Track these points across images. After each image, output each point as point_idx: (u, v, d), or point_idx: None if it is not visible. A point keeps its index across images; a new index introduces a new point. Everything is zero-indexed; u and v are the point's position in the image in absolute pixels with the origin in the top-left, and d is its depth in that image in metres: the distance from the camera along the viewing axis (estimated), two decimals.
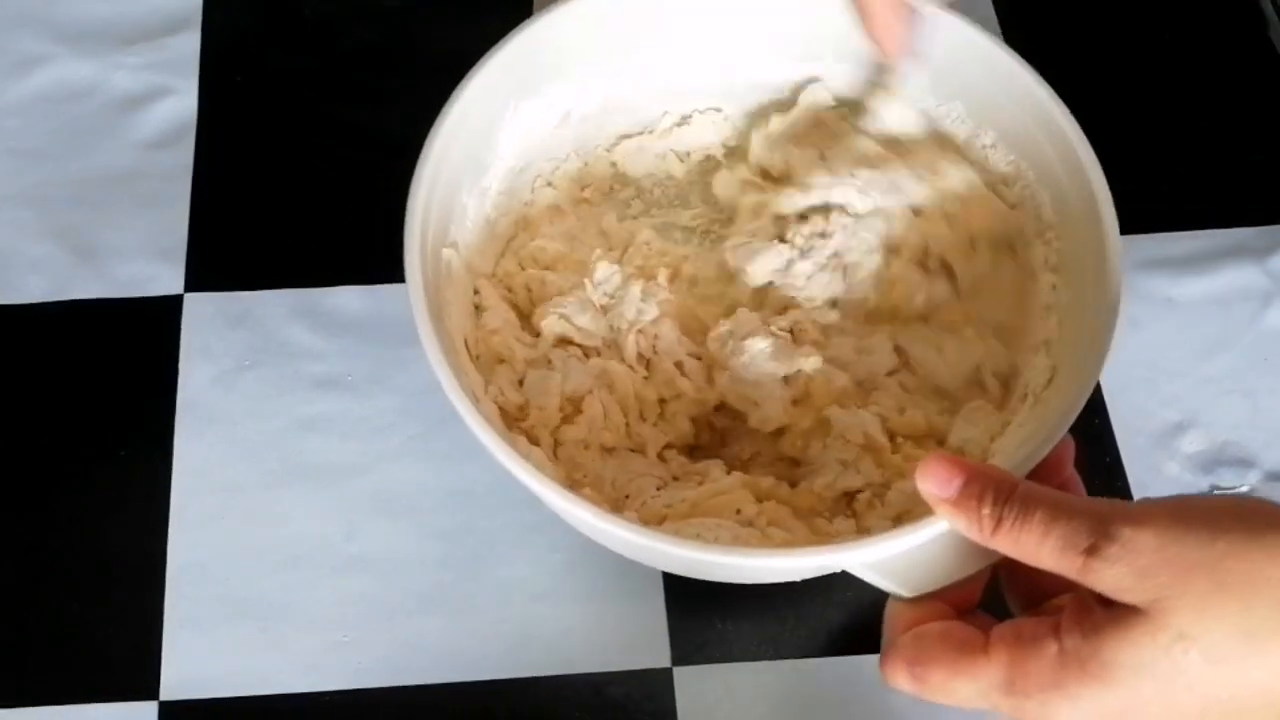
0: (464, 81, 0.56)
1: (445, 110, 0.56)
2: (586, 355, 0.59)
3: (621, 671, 0.58)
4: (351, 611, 0.60)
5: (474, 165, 0.58)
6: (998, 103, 0.59)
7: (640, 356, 0.59)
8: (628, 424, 0.58)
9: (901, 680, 0.47)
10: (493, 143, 0.59)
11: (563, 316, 0.59)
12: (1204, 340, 0.66)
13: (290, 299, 0.66)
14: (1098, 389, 0.64)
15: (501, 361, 0.58)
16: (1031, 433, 0.52)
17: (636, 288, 0.59)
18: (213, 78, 0.73)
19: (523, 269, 0.61)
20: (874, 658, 0.57)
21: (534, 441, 0.56)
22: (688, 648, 0.59)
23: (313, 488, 0.62)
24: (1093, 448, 0.62)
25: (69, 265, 0.67)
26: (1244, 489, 0.62)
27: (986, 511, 0.46)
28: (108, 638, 0.59)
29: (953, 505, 0.46)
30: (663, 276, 0.61)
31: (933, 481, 0.47)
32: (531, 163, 0.62)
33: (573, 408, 0.57)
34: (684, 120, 0.64)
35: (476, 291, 0.59)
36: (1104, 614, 0.43)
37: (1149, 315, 0.66)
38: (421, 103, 0.71)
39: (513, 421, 0.57)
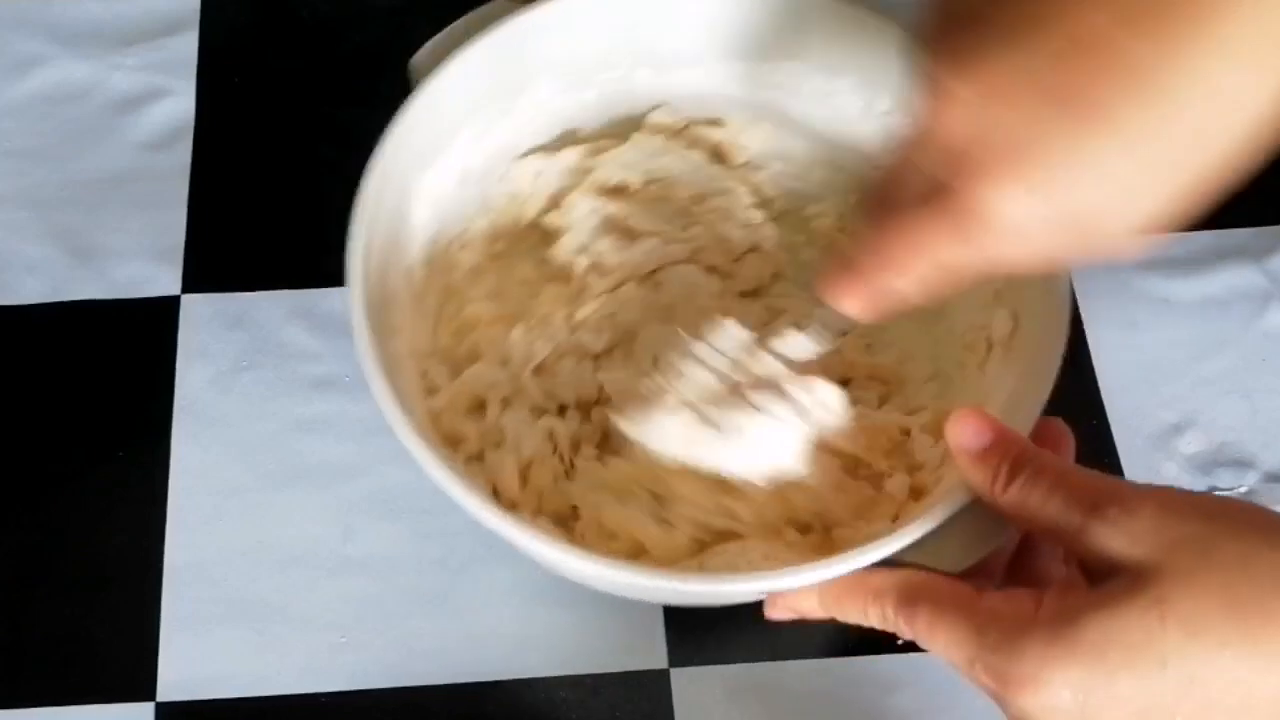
0: (364, 177, 0.56)
1: (359, 201, 0.55)
2: (535, 415, 0.59)
3: (618, 673, 0.58)
4: (349, 613, 0.59)
5: (395, 246, 0.57)
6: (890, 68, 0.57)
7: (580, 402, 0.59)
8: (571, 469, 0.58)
9: (894, 619, 0.47)
10: (408, 219, 0.58)
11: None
12: (1202, 341, 0.66)
13: (288, 300, 0.66)
14: (1094, 388, 0.64)
15: (459, 442, 0.57)
16: (1016, 386, 0.52)
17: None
18: (210, 79, 0.73)
19: (461, 339, 0.60)
20: (877, 659, 0.58)
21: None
22: (685, 649, 0.59)
23: (310, 489, 0.62)
24: (1091, 448, 0.61)
25: (66, 266, 0.67)
26: (1243, 490, 0.62)
27: (1005, 468, 0.46)
28: (104, 639, 0.59)
29: (977, 459, 0.47)
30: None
31: (966, 433, 0.48)
32: (443, 230, 0.60)
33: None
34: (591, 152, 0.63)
35: (425, 374, 0.58)
36: (1088, 588, 0.44)
37: (1147, 316, 0.66)
38: None
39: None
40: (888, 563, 0.48)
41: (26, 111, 0.72)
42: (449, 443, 0.56)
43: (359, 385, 0.63)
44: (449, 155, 0.59)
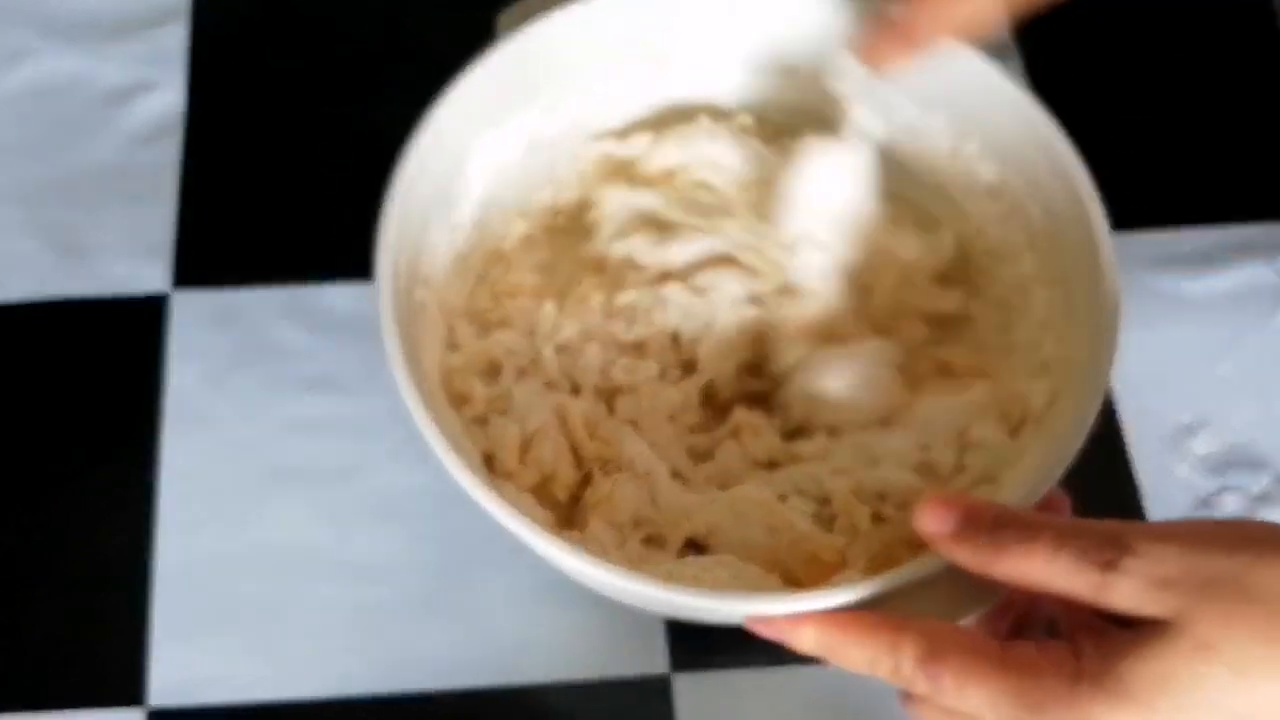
0: (428, 114, 0.55)
1: (410, 145, 0.55)
2: (549, 388, 0.58)
3: (618, 678, 0.58)
4: (344, 617, 0.59)
5: (444, 200, 0.57)
6: (979, 110, 0.57)
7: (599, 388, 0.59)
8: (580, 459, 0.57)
9: (910, 674, 0.45)
10: (462, 176, 0.58)
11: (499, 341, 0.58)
12: (1214, 341, 0.65)
13: (280, 297, 0.66)
14: (1106, 394, 0.64)
15: (465, 402, 0.57)
16: (1038, 462, 0.51)
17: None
18: (201, 71, 0.72)
19: (497, 303, 0.60)
20: None
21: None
22: (686, 653, 0.59)
23: (304, 491, 0.62)
24: (1103, 450, 0.61)
25: (52, 263, 0.67)
26: (1256, 491, 0.62)
27: (985, 540, 0.45)
28: (95, 643, 0.59)
29: (954, 540, 0.46)
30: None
31: (931, 520, 0.46)
32: (502, 194, 0.60)
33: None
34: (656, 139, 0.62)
35: (451, 329, 0.58)
36: (1121, 633, 0.42)
37: (1158, 314, 0.66)
38: (414, 98, 0.70)
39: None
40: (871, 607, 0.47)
41: (12, 105, 0.71)
42: (456, 401, 0.56)
43: (353, 385, 0.64)
44: (519, 119, 0.59)
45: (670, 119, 0.62)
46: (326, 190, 0.69)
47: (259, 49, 0.73)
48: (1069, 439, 0.50)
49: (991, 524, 0.45)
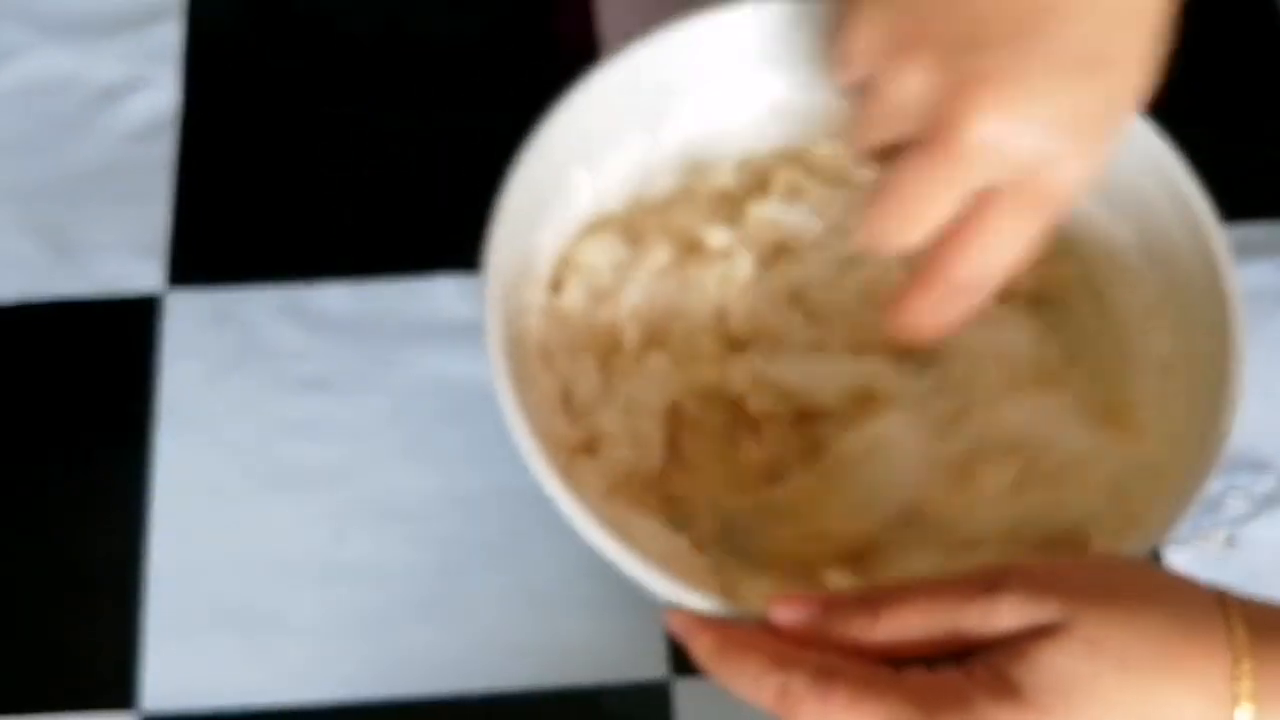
0: (537, 131, 0.55)
1: (517, 163, 0.55)
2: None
3: (618, 683, 0.58)
4: (339, 620, 0.59)
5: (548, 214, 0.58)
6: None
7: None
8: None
9: (801, 691, 0.45)
10: (566, 194, 0.58)
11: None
12: None
13: (276, 296, 0.66)
14: None
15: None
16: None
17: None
18: (195, 68, 0.72)
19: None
20: None
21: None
22: (687, 658, 0.58)
23: (300, 492, 0.61)
24: None
25: (45, 262, 0.66)
26: (1260, 492, 0.62)
27: (858, 611, 0.45)
28: (87, 647, 0.58)
29: (823, 623, 0.46)
30: None
31: (786, 613, 0.47)
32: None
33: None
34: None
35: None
36: (1007, 650, 0.43)
37: None
38: (411, 95, 0.70)
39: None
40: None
41: (5, 102, 0.71)
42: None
43: (351, 385, 0.64)
44: (627, 139, 0.60)
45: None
46: (322, 189, 0.69)
47: (254, 46, 0.73)
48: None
49: (856, 599, 0.46)
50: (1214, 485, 0.61)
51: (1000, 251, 0.50)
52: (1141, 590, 0.44)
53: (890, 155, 0.50)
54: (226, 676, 0.58)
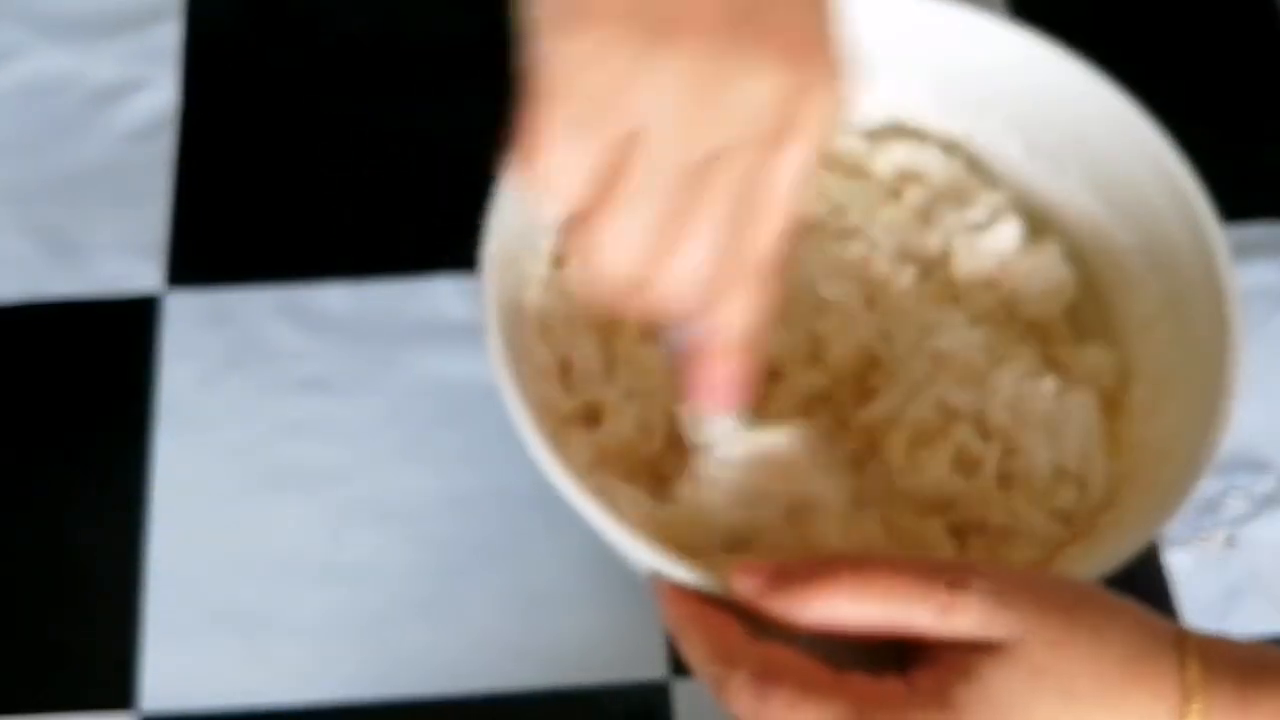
0: None
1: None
2: None
3: (617, 683, 0.58)
4: (338, 621, 0.59)
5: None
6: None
7: None
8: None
9: (741, 695, 0.44)
10: None
11: None
12: None
13: (274, 296, 0.66)
14: None
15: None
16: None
17: None
18: (194, 68, 0.72)
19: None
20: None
21: None
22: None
23: (298, 493, 0.61)
24: None
25: (44, 263, 0.66)
26: (1260, 492, 0.62)
27: (812, 577, 0.44)
28: (86, 647, 0.58)
29: (771, 588, 0.45)
30: None
31: (741, 580, 0.45)
32: None
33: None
34: None
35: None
36: (953, 658, 0.43)
37: None
38: (409, 93, 0.70)
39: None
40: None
41: (3, 103, 0.71)
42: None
43: (349, 385, 0.64)
44: None
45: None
46: (321, 189, 0.69)
47: (253, 46, 0.73)
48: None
49: (813, 566, 0.45)
50: (1214, 485, 0.62)
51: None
52: (1097, 620, 0.43)
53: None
54: (225, 677, 0.58)
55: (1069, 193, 0.60)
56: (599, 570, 0.59)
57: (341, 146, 0.70)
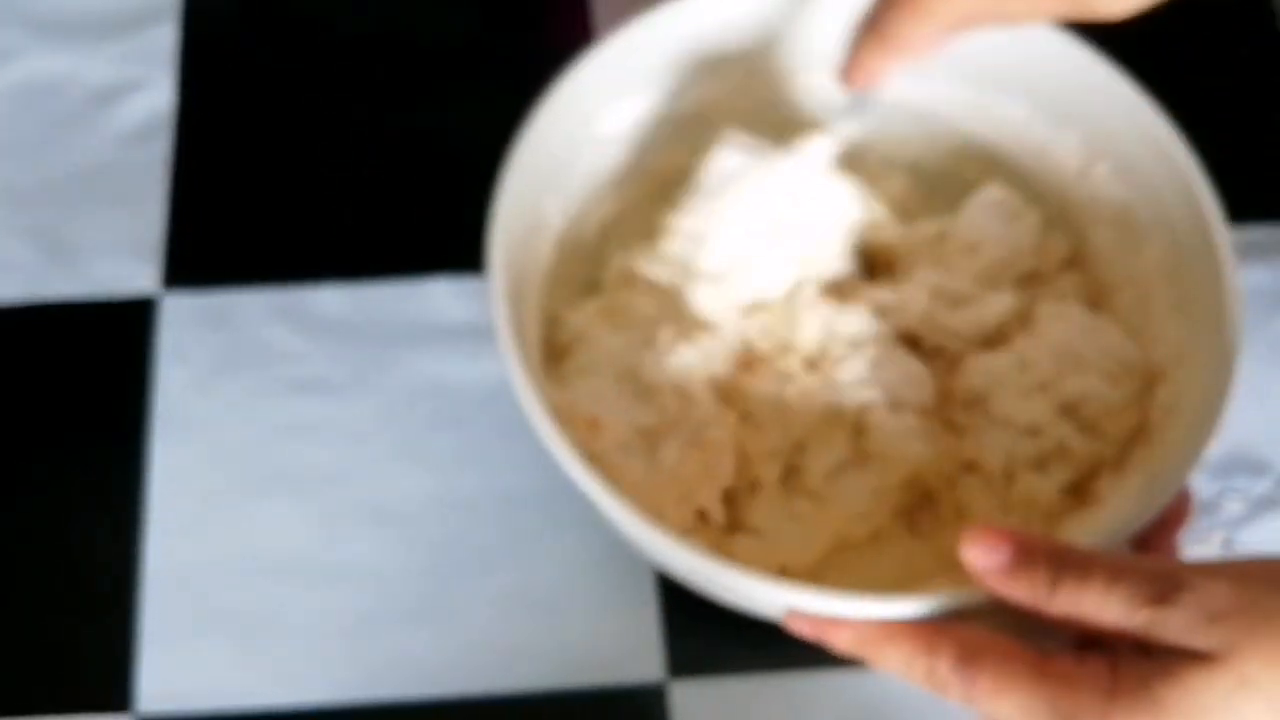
0: (542, 101, 0.55)
1: (524, 131, 0.54)
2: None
3: (615, 685, 0.58)
4: (333, 623, 0.59)
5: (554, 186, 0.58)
6: (1114, 130, 0.58)
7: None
8: None
9: (947, 675, 0.45)
10: (572, 161, 0.58)
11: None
12: None
13: (271, 298, 0.66)
14: None
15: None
16: (1143, 484, 0.52)
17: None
18: (191, 69, 0.72)
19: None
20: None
21: None
22: (684, 660, 0.58)
23: (294, 495, 0.61)
24: None
25: (40, 264, 0.66)
26: (1257, 494, 0.62)
27: (1043, 579, 0.44)
28: (83, 648, 0.58)
29: (1007, 577, 0.45)
30: None
31: (980, 554, 0.45)
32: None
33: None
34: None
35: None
36: (1164, 657, 0.42)
37: None
38: (408, 94, 0.70)
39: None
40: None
41: (0, 104, 0.71)
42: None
43: (345, 387, 0.64)
44: (627, 106, 0.59)
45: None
46: (318, 190, 0.68)
47: (249, 47, 0.73)
48: (1179, 464, 0.51)
49: (1046, 560, 0.45)
50: (1211, 487, 0.62)
51: None
52: None
53: None
54: (221, 678, 0.58)
55: (1062, 151, 0.60)
56: (596, 572, 0.59)
57: (339, 147, 0.69)
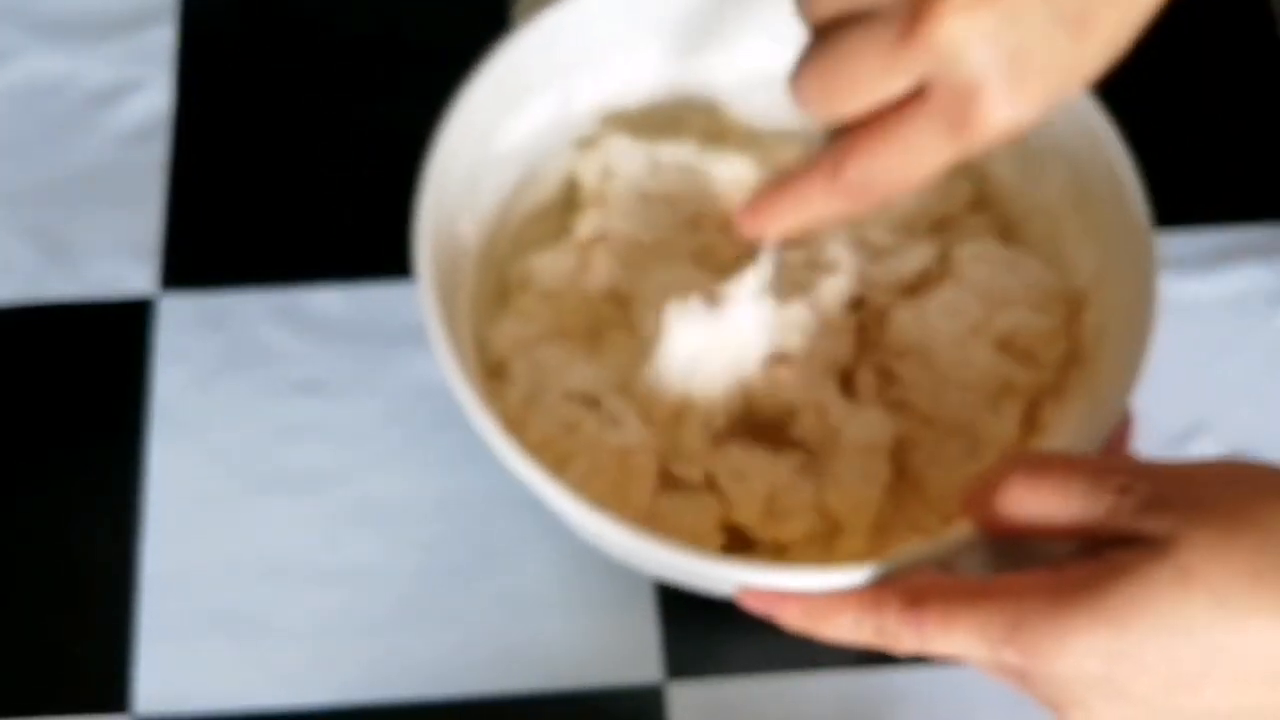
0: (454, 104, 0.56)
1: (440, 136, 0.55)
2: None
3: (612, 687, 0.58)
4: (333, 624, 0.59)
5: (471, 188, 0.58)
6: None
7: None
8: None
9: (896, 627, 0.45)
10: (488, 163, 0.59)
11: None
12: (1213, 344, 0.65)
13: (269, 299, 0.65)
14: None
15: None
16: (1086, 408, 0.52)
17: None
18: (189, 71, 0.71)
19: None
20: (892, 672, 0.57)
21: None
22: (682, 661, 0.58)
23: (293, 496, 0.61)
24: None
25: (37, 265, 0.66)
26: None
27: (995, 481, 0.45)
28: (80, 650, 0.58)
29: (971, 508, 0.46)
30: None
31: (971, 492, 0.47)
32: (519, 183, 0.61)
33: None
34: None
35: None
36: (1108, 555, 0.42)
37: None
38: (405, 95, 0.70)
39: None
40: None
41: None
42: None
43: (344, 388, 0.64)
44: (540, 104, 0.60)
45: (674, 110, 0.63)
46: (316, 191, 0.68)
47: (248, 48, 0.73)
48: (1119, 381, 0.51)
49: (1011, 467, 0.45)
50: None
51: (907, 162, 0.46)
52: (1265, 516, 0.41)
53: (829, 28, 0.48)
54: (220, 680, 0.57)
55: None
56: (595, 573, 0.59)
57: (337, 148, 0.69)
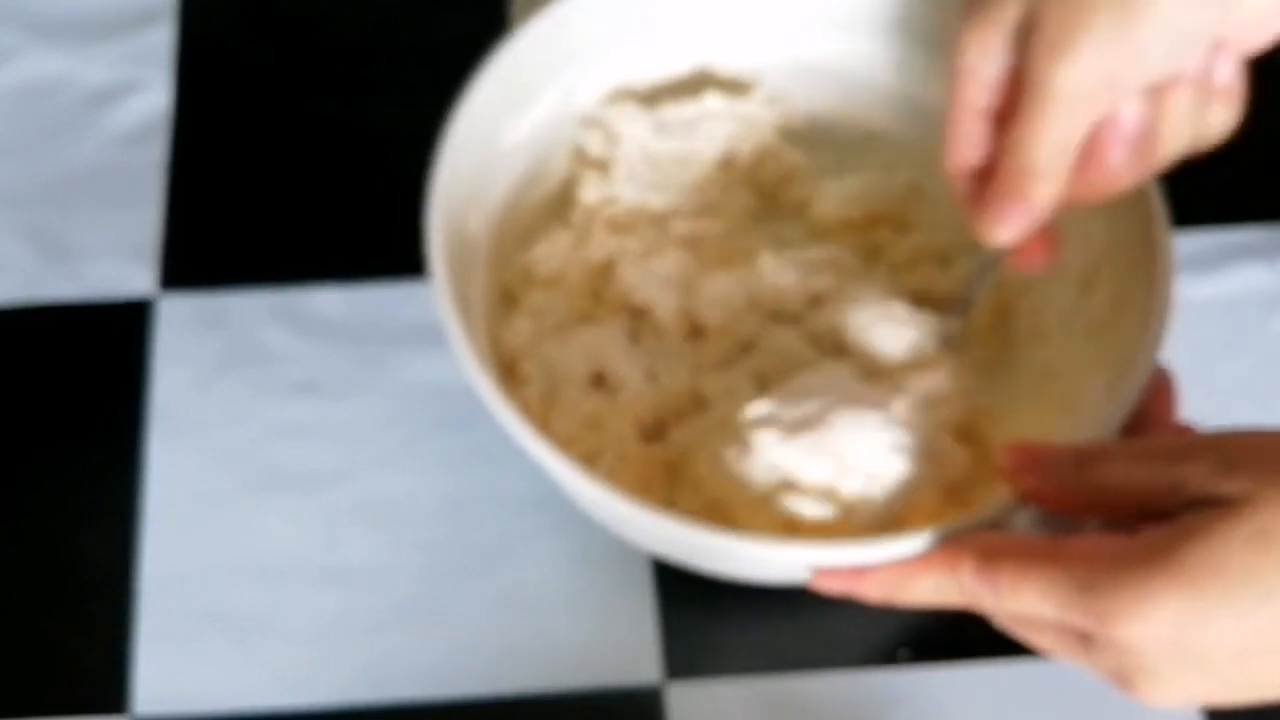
0: (463, 100, 0.56)
1: (449, 131, 0.56)
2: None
3: (611, 688, 0.58)
4: (331, 625, 0.59)
5: (481, 182, 0.58)
6: None
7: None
8: None
9: (973, 585, 0.45)
10: (496, 157, 0.59)
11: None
12: (1211, 344, 0.65)
13: (268, 300, 0.65)
14: None
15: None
16: (1111, 379, 0.52)
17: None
18: (187, 71, 0.72)
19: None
20: (892, 672, 0.57)
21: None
22: (682, 661, 0.58)
23: (292, 496, 0.61)
24: None
25: (37, 265, 0.66)
26: None
27: (1068, 459, 0.45)
28: (80, 650, 0.58)
29: (1033, 470, 0.46)
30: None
31: (1011, 458, 0.47)
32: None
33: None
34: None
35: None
36: (1181, 518, 0.42)
37: None
38: (403, 95, 0.70)
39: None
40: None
41: None
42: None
43: (343, 388, 0.64)
44: (547, 97, 0.60)
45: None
46: (315, 191, 0.68)
47: (246, 49, 0.73)
48: (1142, 342, 0.52)
49: (1070, 452, 0.46)
50: None
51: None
52: None
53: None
54: (219, 681, 0.57)
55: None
56: (594, 573, 0.59)
57: (335, 149, 0.69)
